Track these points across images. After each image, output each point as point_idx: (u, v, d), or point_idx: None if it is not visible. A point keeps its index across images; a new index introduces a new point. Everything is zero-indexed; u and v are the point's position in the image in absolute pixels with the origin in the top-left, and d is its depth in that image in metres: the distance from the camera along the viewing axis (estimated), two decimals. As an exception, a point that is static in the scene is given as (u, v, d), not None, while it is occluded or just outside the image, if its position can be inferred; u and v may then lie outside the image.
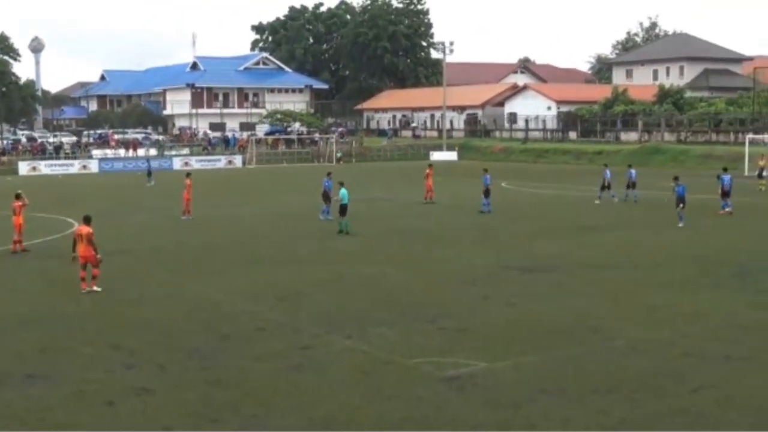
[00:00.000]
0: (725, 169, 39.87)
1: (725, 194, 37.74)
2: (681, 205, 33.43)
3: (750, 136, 66.98)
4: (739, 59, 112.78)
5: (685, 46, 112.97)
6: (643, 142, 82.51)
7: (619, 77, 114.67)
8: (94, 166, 77.86)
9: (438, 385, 14.52)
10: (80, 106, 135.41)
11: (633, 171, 43.98)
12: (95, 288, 22.02)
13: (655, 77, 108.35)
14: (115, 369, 15.60)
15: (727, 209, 37.42)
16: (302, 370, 15.41)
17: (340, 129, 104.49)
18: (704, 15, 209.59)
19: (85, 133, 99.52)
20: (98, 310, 20.31)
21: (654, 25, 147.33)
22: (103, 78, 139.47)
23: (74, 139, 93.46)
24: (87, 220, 22.43)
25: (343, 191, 32.93)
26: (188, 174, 41.19)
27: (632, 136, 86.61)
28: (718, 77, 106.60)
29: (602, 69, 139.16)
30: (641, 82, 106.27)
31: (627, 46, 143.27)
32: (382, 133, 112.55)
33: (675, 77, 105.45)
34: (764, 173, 51.08)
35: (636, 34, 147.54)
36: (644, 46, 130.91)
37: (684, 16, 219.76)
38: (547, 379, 14.74)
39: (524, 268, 25.34)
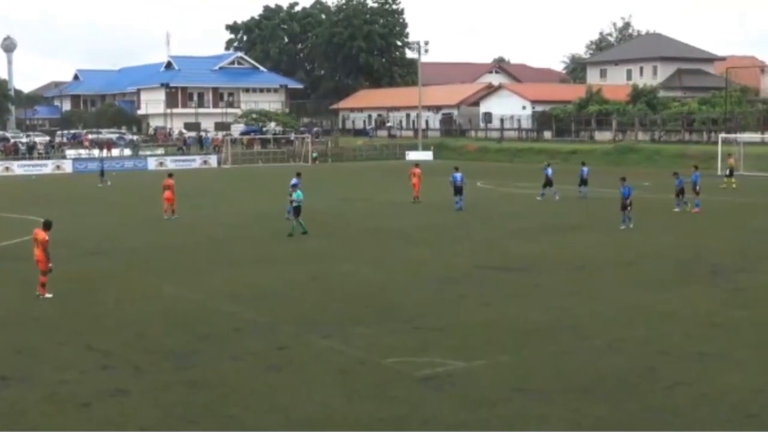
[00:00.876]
0: (696, 167, 40.67)
1: (695, 192, 38.41)
2: (628, 207, 32.72)
3: (723, 135, 67.65)
4: (712, 59, 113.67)
5: (659, 46, 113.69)
6: (617, 142, 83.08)
7: (593, 77, 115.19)
8: (67, 167, 77.23)
9: (415, 384, 14.53)
10: (54, 105, 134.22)
11: (585, 168, 45.79)
12: (46, 295, 21.40)
13: (629, 77, 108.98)
14: (91, 370, 15.50)
15: (694, 208, 37.98)
16: (280, 371, 15.39)
17: (315, 129, 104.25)
18: (677, 15, 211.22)
19: (59, 133, 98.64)
20: (73, 311, 20.18)
21: (627, 25, 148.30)
22: (76, 77, 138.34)
23: (47, 139, 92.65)
24: (46, 226, 21.79)
25: (298, 193, 32.64)
26: (170, 174, 41.04)
27: (606, 135, 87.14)
28: (690, 77, 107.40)
29: (576, 69, 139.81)
30: (615, 82, 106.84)
31: (601, 46, 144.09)
32: (359, 132, 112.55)
33: (648, 77, 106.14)
34: (726, 172, 52.53)
35: (609, 35, 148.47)
36: (618, 46, 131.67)
37: (657, 17, 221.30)
38: (523, 378, 14.80)
39: (501, 267, 25.43)
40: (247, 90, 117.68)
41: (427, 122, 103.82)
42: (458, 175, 40.59)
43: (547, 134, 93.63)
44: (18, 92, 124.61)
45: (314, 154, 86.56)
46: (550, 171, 45.16)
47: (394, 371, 15.24)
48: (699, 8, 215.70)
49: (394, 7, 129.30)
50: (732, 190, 48.38)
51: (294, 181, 35.27)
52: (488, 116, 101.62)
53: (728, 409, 13.22)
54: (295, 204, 32.40)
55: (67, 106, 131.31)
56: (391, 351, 16.42)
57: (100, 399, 13.93)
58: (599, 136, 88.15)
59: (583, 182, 45.26)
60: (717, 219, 36.17)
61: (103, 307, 20.59)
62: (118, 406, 13.63)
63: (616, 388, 14.17)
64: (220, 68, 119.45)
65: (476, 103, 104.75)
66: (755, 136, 72.40)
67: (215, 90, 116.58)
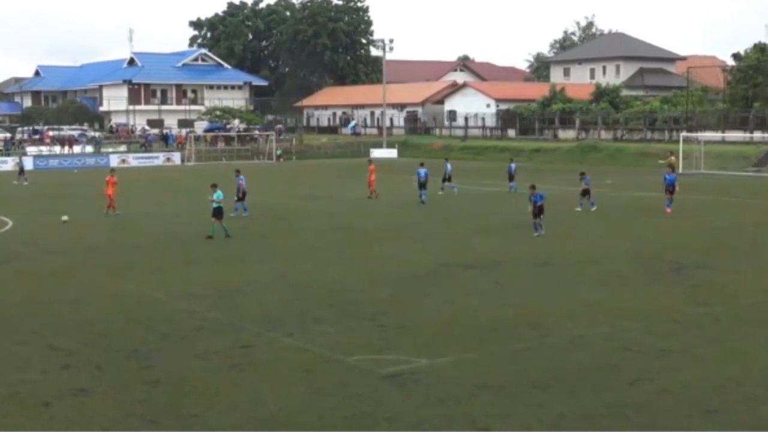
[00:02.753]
0: (673, 169, 41.48)
1: (670, 192, 38.44)
2: (540, 216, 31.11)
3: (684, 134, 68.40)
4: (673, 59, 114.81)
5: (621, 45, 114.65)
6: (580, 140, 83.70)
7: (556, 76, 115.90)
8: (28, 164, 76.12)
9: (379, 382, 14.54)
10: (14, 102, 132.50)
11: (513, 165, 48.65)
12: None
13: (592, 76, 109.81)
14: (52, 370, 15.33)
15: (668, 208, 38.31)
16: (243, 369, 15.32)
17: (278, 126, 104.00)
18: (640, 15, 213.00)
19: (19, 129, 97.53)
20: (33, 311, 19.94)
21: (590, 24, 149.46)
22: (37, 73, 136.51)
23: (8, 135, 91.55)
24: None
25: (219, 193, 30.74)
26: (112, 170, 41.83)
27: (570, 134, 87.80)
28: (653, 76, 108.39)
29: (540, 67, 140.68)
30: (578, 81, 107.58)
31: (564, 45, 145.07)
32: (323, 130, 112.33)
33: (611, 76, 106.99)
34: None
35: (573, 34, 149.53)
36: (581, 46, 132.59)
37: (620, 16, 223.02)
38: (487, 375, 14.85)
39: (464, 265, 25.48)
40: (210, 87, 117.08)
41: (391, 120, 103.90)
42: (422, 170, 42.19)
43: (511, 132, 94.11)
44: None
45: (278, 152, 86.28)
46: (449, 166, 47.82)
47: (357, 369, 15.24)
48: (660, 8, 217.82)
49: (359, 4, 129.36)
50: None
51: (239, 179, 36.16)
52: (453, 114, 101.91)
53: (688, 405, 13.36)
54: (215, 205, 30.64)
55: (27, 102, 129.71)
56: (354, 349, 16.42)
57: (61, 398, 13.79)
58: (563, 134, 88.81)
59: (511, 178, 47.38)
60: (678, 217, 36.49)
61: (64, 306, 20.37)
62: (80, 405, 13.50)
63: (578, 385, 14.26)
64: (184, 65, 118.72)
65: (441, 101, 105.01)
66: (716, 135, 73.25)
67: (178, 87, 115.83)
